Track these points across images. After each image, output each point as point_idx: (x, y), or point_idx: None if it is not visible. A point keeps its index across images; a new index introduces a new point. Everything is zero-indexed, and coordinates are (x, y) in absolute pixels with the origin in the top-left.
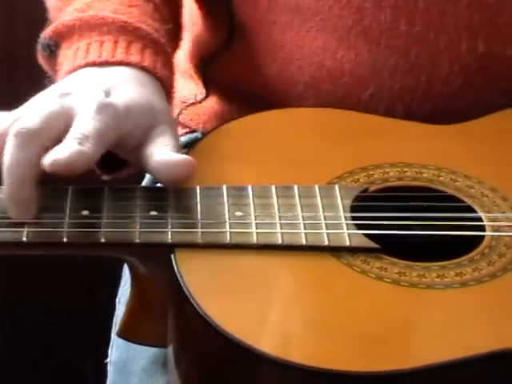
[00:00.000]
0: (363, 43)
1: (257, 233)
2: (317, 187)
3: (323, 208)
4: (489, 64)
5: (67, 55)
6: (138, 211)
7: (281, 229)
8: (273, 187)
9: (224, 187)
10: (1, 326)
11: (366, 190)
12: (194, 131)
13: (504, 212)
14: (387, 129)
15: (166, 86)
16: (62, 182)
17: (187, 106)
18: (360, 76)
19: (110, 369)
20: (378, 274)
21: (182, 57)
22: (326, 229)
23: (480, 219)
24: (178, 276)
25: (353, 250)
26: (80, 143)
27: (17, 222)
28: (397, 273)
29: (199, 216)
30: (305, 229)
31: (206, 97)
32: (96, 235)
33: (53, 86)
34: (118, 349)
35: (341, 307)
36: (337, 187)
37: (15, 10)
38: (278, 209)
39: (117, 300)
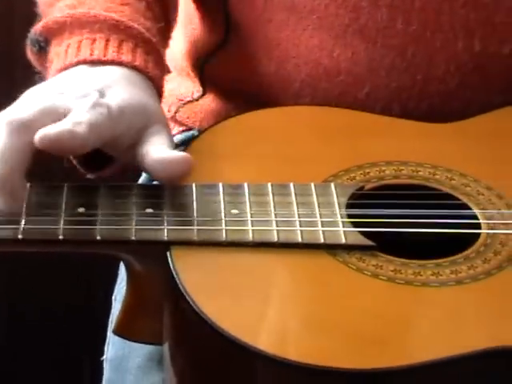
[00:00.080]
0: (360, 42)
1: (253, 230)
2: (313, 185)
3: (319, 206)
4: (485, 63)
5: (58, 52)
6: (133, 208)
7: (277, 226)
8: (269, 185)
9: (220, 185)
10: None
11: (361, 188)
12: (190, 129)
13: (499, 210)
14: (383, 127)
15: (157, 86)
16: (58, 179)
17: (184, 104)
18: (356, 74)
19: (105, 366)
20: (374, 271)
21: (179, 55)
22: (322, 226)
23: (475, 217)
24: (174, 273)
25: (348, 248)
26: (72, 125)
27: (8, 216)
28: (392, 270)
29: (195, 213)
30: (300, 226)
31: (203, 95)
32: (92, 232)
33: (45, 83)
34: (113, 346)
35: (336, 305)
36: (333, 185)
37: (12, 10)
38: (274, 207)
39: (113, 297)
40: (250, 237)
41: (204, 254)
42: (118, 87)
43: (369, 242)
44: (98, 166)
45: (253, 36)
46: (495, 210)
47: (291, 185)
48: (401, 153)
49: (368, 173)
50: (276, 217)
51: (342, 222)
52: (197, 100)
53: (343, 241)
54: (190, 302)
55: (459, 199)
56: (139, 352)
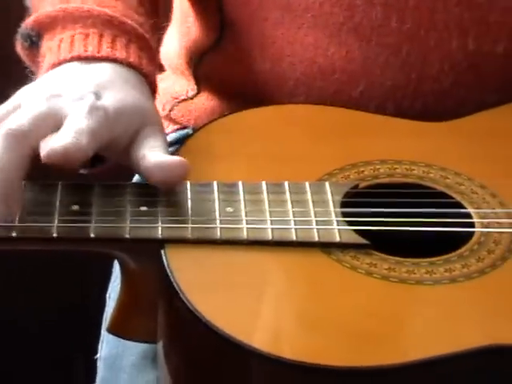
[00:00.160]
0: (354, 40)
1: (247, 228)
2: (307, 183)
3: (313, 204)
4: (479, 62)
5: (50, 47)
6: (128, 207)
7: (271, 225)
8: (263, 183)
9: (215, 183)
10: None
11: (356, 187)
12: (185, 127)
13: (493, 208)
14: (378, 126)
15: (150, 82)
16: (52, 177)
17: (178, 103)
18: (351, 73)
19: (99, 365)
20: (368, 269)
21: (174, 53)
22: (316, 225)
23: (469, 216)
24: (168, 271)
25: (343, 246)
26: (75, 137)
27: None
28: (386, 269)
29: (189, 212)
30: (295, 225)
31: (198, 93)
32: (86, 230)
33: (39, 83)
34: (107, 344)
35: (331, 303)
36: (327, 183)
37: (8, 12)
38: (269, 205)
39: (107, 295)
40: (244, 235)
41: (198, 252)
42: (113, 87)
43: (363, 241)
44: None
45: (248, 34)
46: (489, 208)
47: (286, 183)
48: (395, 151)
49: (362, 171)
50: (270, 215)
51: (337, 221)
52: (191, 98)
53: (337, 239)
54: (184, 300)
55: (453, 198)
56: (133, 350)
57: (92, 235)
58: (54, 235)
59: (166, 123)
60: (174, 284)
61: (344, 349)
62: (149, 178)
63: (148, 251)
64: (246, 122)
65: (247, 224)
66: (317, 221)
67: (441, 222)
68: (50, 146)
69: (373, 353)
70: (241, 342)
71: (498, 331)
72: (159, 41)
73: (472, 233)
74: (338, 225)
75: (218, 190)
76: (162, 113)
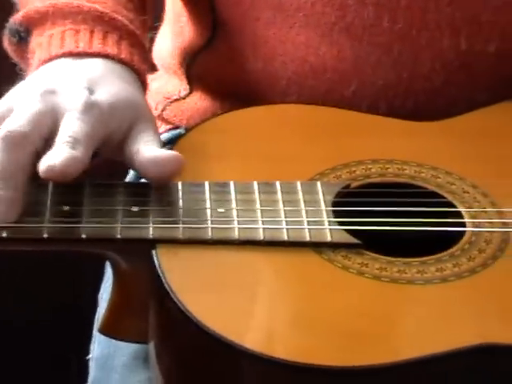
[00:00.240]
0: (346, 39)
1: (238, 228)
2: (299, 183)
3: (305, 204)
4: (471, 61)
5: (40, 43)
6: (119, 206)
7: (263, 224)
8: (255, 183)
9: (206, 183)
10: None
11: (347, 186)
12: (177, 127)
13: (484, 208)
14: (369, 126)
15: (142, 79)
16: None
17: (171, 102)
18: (343, 72)
19: (91, 365)
20: (359, 269)
21: (167, 53)
22: (308, 225)
23: (460, 215)
24: (160, 272)
25: (334, 246)
26: (72, 147)
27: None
28: (378, 268)
29: (181, 212)
30: (287, 224)
31: (190, 93)
32: (77, 231)
33: (32, 80)
34: (99, 345)
35: (322, 303)
36: (319, 183)
37: (3, 14)
38: (260, 205)
39: (99, 296)
40: (235, 235)
41: (190, 253)
42: (106, 82)
43: (354, 240)
44: None
45: (240, 34)
46: (480, 208)
47: (277, 183)
48: (387, 151)
49: (354, 171)
50: (262, 215)
51: (328, 220)
52: (184, 98)
53: (329, 239)
54: (176, 301)
55: (445, 197)
56: (125, 351)
57: (83, 236)
58: (45, 236)
59: (158, 123)
60: (165, 284)
61: (336, 348)
62: (143, 172)
63: (139, 251)
64: (238, 122)
65: (239, 224)
66: (308, 221)
67: (432, 222)
68: (47, 163)
69: (365, 352)
70: (232, 342)
71: (489, 330)
72: (151, 40)
73: (463, 232)
74: (329, 224)
75: (209, 190)
76: (155, 112)
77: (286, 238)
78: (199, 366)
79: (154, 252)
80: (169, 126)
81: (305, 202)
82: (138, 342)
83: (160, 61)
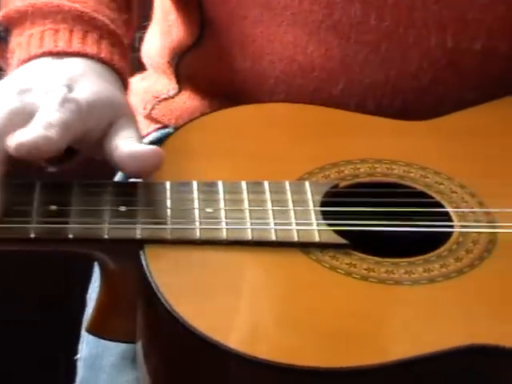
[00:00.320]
0: (333, 38)
1: (227, 229)
2: (287, 183)
3: (293, 204)
4: (457, 59)
5: (20, 42)
6: (107, 206)
7: (251, 225)
8: (243, 183)
9: (194, 183)
10: None
11: (336, 186)
12: (166, 127)
13: (472, 208)
14: (358, 125)
15: (122, 78)
16: (30, 175)
17: (160, 102)
18: (330, 70)
19: (79, 365)
20: (347, 270)
21: (155, 52)
22: (296, 225)
23: (448, 215)
24: (147, 272)
25: (322, 246)
26: (45, 128)
27: None
28: (365, 269)
29: (169, 212)
30: (275, 225)
31: (179, 92)
32: (64, 231)
33: (10, 79)
34: (87, 345)
35: (309, 303)
36: (307, 183)
37: None
38: (249, 204)
39: (88, 296)
40: (223, 235)
41: (177, 253)
42: (85, 80)
43: (342, 241)
44: (58, 158)
45: (227, 32)
46: (468, 208)
47: (266, 182)
48: (375, 150)
49: (343, 171)
50: (250, 215)
51: (316, 221)
52: (173, 97)
53: (317, 239)
54: (163, 301)
55: (433, 197)
56: (113, 351)
57: (70, 236)
58: (32, 236)
59: (147, 122)
60: (153, 284)
61: (323, 349)
62: (122, 167)
63: (127, 251)
64: (226, 121)
65: (227, 224)
66: (296, 221)
67: (420, 222)
68: (18, 139)
69: (352, 353)
70: (217, 342)
71: (477, 330)
72: (140, 39)
73: (451, 233)
74: (317, 225)
75: (197, 190)
76: (143, 112)
77: (274, 238)
78: (186, 366)
79: (141, 252)
80: (158, 126)
81: (293, 201)
82: (125, 342)
83: (149, 60)
